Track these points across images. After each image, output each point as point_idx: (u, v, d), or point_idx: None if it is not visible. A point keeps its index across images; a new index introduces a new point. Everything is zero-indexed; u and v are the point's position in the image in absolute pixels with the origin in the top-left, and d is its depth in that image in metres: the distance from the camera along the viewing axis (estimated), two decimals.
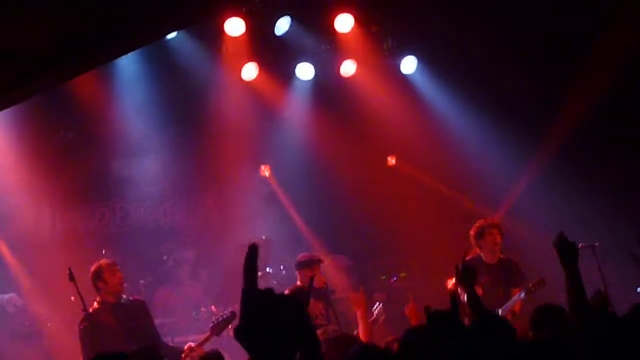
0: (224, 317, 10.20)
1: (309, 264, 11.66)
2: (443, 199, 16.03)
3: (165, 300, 14.09)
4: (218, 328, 10.08)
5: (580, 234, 11.67)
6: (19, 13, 6.34)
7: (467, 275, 6.91)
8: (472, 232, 11.43)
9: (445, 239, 15.88)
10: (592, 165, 14.95)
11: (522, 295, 10.92)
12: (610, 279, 11.03)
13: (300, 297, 5.65)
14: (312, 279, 6.03)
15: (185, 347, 9.91)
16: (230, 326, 10.18)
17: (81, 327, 10.10)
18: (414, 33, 15.56)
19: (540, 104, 15.14)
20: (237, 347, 5.67)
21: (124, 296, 10.39)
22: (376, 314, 11.41)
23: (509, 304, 11.00)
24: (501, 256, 11.33)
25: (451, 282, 15.47)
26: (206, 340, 9.94)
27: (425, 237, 15.88)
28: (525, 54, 14.78)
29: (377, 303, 11.72)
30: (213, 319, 10.24)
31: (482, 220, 11.49)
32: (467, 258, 11.07)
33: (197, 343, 9.91)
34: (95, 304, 10.26)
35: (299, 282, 11.70)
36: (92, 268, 10.27)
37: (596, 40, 14.29)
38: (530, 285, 11.00)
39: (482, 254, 11.41)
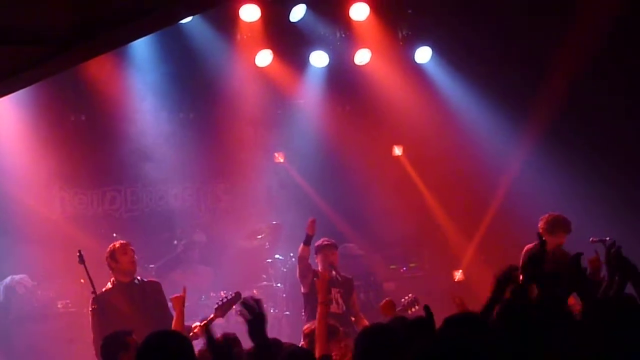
0: (229, 298, 10.23)
1: (322, 249, 11.85)
2: (452, 189, 15.99)
3: (177, 284, 14.10)
4: (223, 309, 10.11)
5: (586, 225, 11.77)
6: None
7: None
8: (544, 223, 11.12)
9: (455, 229, 15.92)
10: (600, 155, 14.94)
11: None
12: None
13: None
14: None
15: (193, 326, 9.93)
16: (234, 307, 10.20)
17: (91, 309, 10.15)
18: (429, 23, 15.55)
19: (553, 97, 15.10)
20: (243, 329, 5.71)
21: (139, 277, 10.46)
22: (405, 305, 11.62)
23: None
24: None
25: (458, 274, 15.56)
26: (211, 321, 9.96)
27: (435, 227, 15.89)
28: (540, 47, 14.74)
29: (410, 295, 11.84)
30: (218, 301, 10.27)
31: (559, 217, 11.18)
32: (530, 246, 10.89)
33: (202, 323, 9.95)
34: (109, 284, 10.33)
35: (319, 267, 11.90)
36: (107, 249, 10.36)
37: None
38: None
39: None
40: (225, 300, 10.23)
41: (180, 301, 9.66)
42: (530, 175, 15.11)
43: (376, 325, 6.10)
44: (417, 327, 5.17)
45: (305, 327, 8.98)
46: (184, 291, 9.77)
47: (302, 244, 11.94)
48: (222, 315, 10.11)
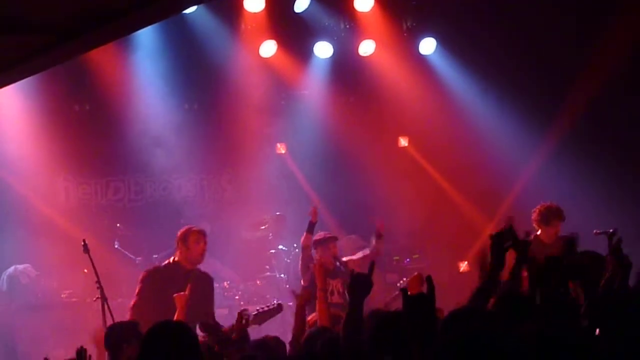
0: (270, 307, 10.10)
1: (323, 242, 11.88)
2: (458, 181, 16.00)
3: None
4: (261, 317, 9.99)
5: (592, 217, 11.76)
6: None
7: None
8: (538, 213, 11.23)
9: (458, 220, 15.90)
10: (605, 148, 14.90)
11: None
12: None
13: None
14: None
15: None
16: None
17: (146, 276, 10.13)
18: (434, 14, 15.53)
19: (558, 88, 15.08)
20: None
21: (198, 266, 10.34)
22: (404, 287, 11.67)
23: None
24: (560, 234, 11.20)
25: (463, 265, 15.56)
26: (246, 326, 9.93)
27: (440, 219, 15.87)
28: (543, 39, 14.71)
29: (405, 279, 11.92)
30: (258, 308, 10.13)
31: (552, 206, 11.28)
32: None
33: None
34: (171, 260, 10.20)
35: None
36: (180, 231, 10.25)
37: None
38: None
39: (541, 236, 11.34)
40: (265, 309, 10.10)
41: (183, 300, 9.60)
42: (544, 171, 15.07)
43: (382, 312, 6.08)
44: (417, 302, 4.95)
45: (309, 317, 8.97)
46: (188, 290, 9.71)
47: (305, 233, 11.98)
48: (260, 324, 10.00)
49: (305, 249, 12.02)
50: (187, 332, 5.71)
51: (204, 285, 10.24)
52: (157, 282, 10.04)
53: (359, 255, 12.26)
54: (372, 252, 12.36)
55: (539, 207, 11.34)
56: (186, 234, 10.17)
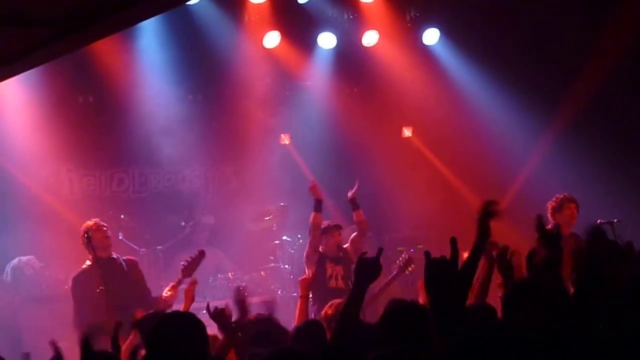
0: (193, 257, 10.32)
1: (327, 231, 11.88)
2: (462, 171, 15.98)
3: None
4: (188, 270, 10.21)
5: (597, 209, 11.77)
6: None
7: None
8: (550, 205, 11.30)
9: (462, 210, 15.88)
10: (608, 138, 14.88)
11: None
12: None
13: None
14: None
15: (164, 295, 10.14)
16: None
17: (74, 283, 10.57)
18: (437, 4, 15.51)
19: (560, 79, 15.06)
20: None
21: (117, 255, 10.70)
22: (401, 265, 11.73)
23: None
24: (572, 231, 11.24)
25: (466, 255, 15.55)
26: (179, 282, 10.10)
27: (443, 209, 15.87)
28: (547, 28, 14.69)
29: (404, 254, 11.94)
30: (182, 263, 10.35)
31: (561, 195, 11.36)
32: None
33: (169, 286, 10.23)
34: (88, 262, 10.53)
35: (321, 249, 11.88)
36: (81, 230, 10.62)
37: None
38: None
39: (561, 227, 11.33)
40: (190, 260, 10.31)
41: (190, 295, 9.69)
42: (548, 161, 15.06)
43: (404, 301, 6.07)
44: (440, 266, 4.55)
45: (322, 312, 8.99)
46: (193, 284, 9.81)
47: (313, 212, 11.92)
48: (190, 275, 10.20)
49: (315, 227, 11.92)
50: (197, 322, 5.70)
51: (129, 270, 10.63)
52: (85, 283, 10.40)
53: (351, 237, 12.21)
54: (359, 228, 12.25)
55: (553, 199, 11.37)
56: (85, 231, 10.52)
